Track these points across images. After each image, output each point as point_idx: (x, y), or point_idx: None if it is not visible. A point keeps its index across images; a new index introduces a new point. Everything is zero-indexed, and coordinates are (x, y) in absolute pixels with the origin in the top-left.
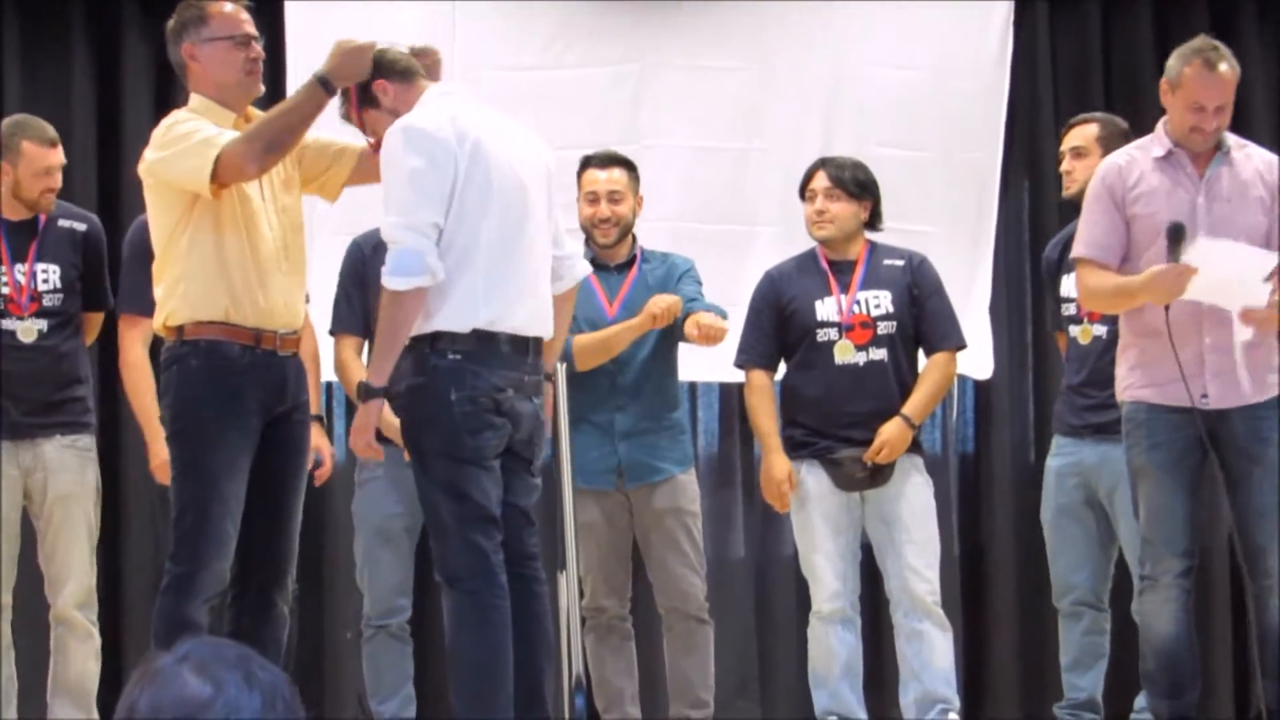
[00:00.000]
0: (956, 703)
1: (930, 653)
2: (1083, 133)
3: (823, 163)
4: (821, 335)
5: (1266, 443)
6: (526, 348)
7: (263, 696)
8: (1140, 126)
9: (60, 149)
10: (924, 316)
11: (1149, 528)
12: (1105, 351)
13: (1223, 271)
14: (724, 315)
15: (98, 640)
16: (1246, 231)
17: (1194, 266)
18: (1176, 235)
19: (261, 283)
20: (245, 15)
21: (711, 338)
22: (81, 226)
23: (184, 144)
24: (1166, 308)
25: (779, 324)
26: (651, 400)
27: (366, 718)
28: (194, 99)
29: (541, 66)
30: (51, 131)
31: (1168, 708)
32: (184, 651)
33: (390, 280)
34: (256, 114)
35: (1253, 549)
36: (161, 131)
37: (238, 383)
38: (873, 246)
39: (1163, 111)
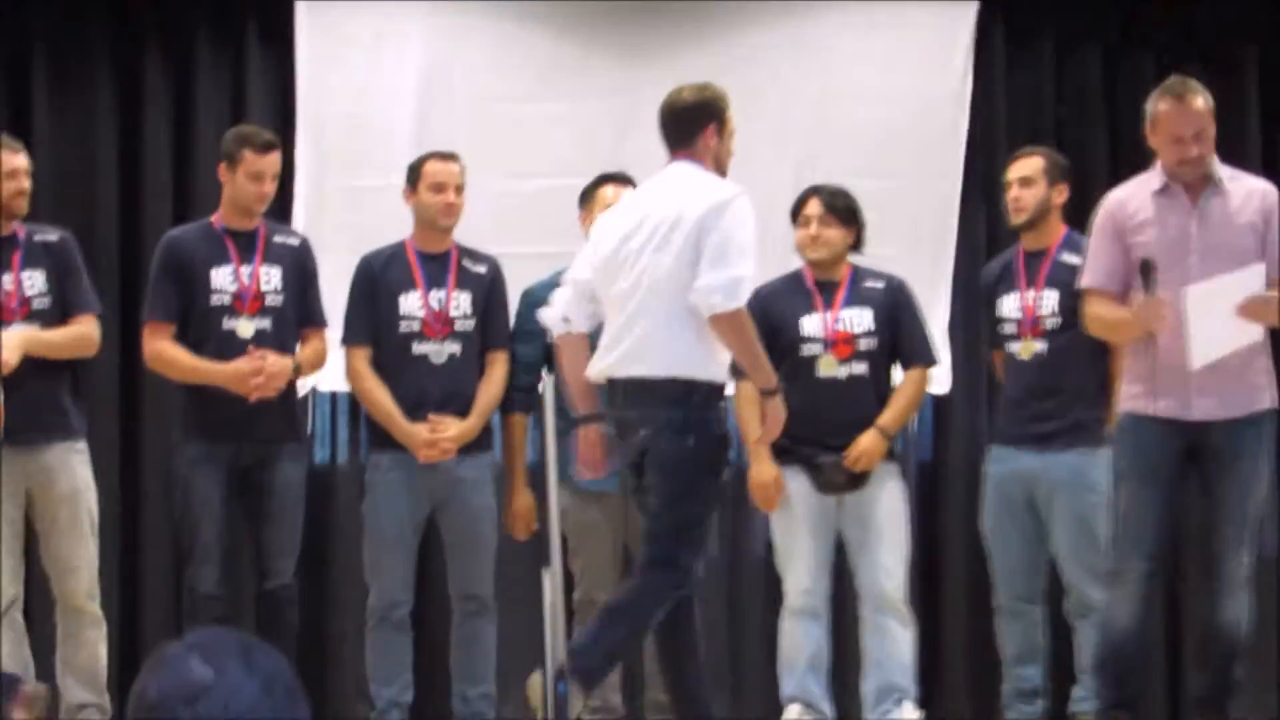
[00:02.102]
0: (913, 692)
1: (893, 645)
2: (1030, 164)
3: (815, 190)
4: (806, 350)
5: (1241, 456)
6: None
7: (262, 681)
8: (1088, 158)
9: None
10: (901, 335)
11: (1121, 527)
12: (1046, 366)
13: (1220, 314)
14: None
15: (105, 626)
16: (1238, 255)
17: (1161, 299)
18: (1146, 270)
19: None
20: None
21: None
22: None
23: None
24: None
25: (766, 339)
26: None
27: (368, 703)
28: None
29: (535, 98)
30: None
31: (1112, 694)
32: (193, 639)
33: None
34: None
35: (1213, 554)
36: None
37: None
38: (855, 269)
39: (1111, 145)
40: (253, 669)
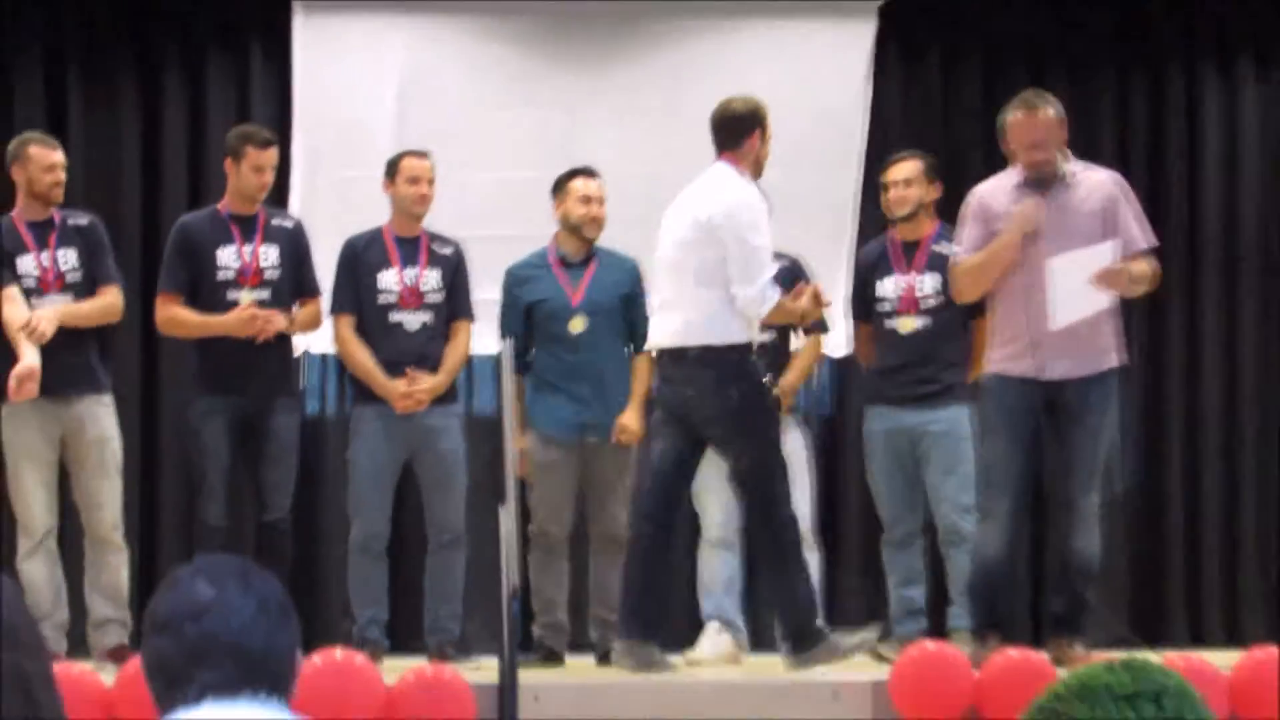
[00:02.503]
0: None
1: None
2: (909, 167)
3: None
4: None
5: (1091, 410)
6: None
7: (258, 601)
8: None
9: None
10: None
11: (988, 473)
12: (926, 339)
13: (1078, 283)
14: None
15: (126, 553)
16: (1085, 240)
17: (1032, 204)
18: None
19: None
20: None
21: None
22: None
23: None
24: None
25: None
26: (612, 378)
27: (350, 620)
28: None
29: (496, 104)
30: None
31: (983, 615)
32: (199, 564)
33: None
34: None
35: (1066, 496)
36: None
37: None
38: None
39: (984, 149)
40: (249, 590)
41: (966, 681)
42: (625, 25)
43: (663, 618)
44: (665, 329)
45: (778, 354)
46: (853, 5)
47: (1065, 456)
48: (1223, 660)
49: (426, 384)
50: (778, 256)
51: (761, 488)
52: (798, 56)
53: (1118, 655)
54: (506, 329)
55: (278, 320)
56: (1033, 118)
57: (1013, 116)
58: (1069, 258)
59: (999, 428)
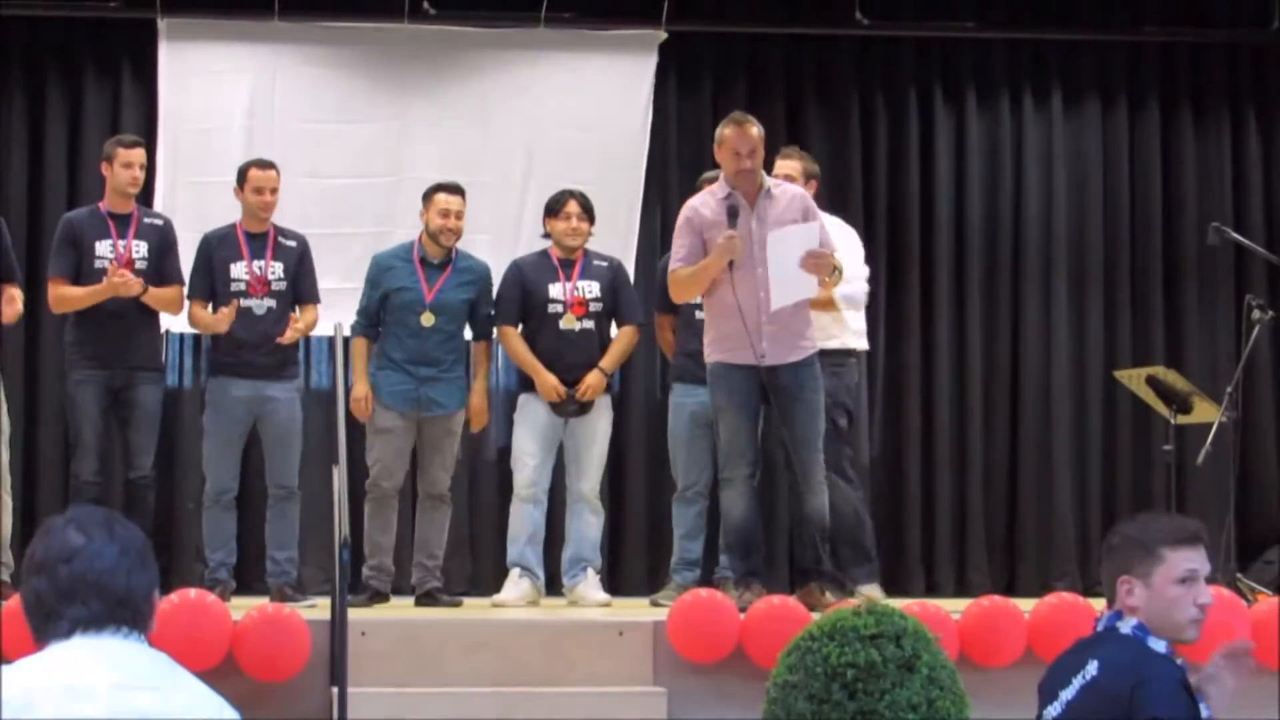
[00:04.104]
0: (597, 563)
1: (585, 528)
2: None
3: (571, 194)
4: (551, 309)
5: (805, 389)
6: None
7: (120, 546)
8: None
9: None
10: (619, 301)
11: (726, 447)
12: None
13: (791, 259)
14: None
15: (11, 504)
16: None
17: (731, 234)
18: (733, 212)
19: None
20: None
21: None
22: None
23: None
24: (740, 312)
25: (522, 299)
26: (447, 358)
27: (203, 563)
28: None
29: (335, 120)
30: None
31: (742, 566)
32: (70, 514)
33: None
34: None
35: (797, 464)
36: None
37: None
38: (586, 251)
39: None
40: (114, 537)
41: (733, 625)
42: (444, 54)
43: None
44: None
45: (600, 339)
46: (636, 41)
47: (792, 431)
48: (953, 607)
49: (298, 325)
50: (600, 259)
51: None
52: (590, 83)
53: (861, 601)
54: (364, 305)
55: (135, 284)
56: (742, 132)
57: (726, 130)
58: (783, 231)
59: (729, 408)
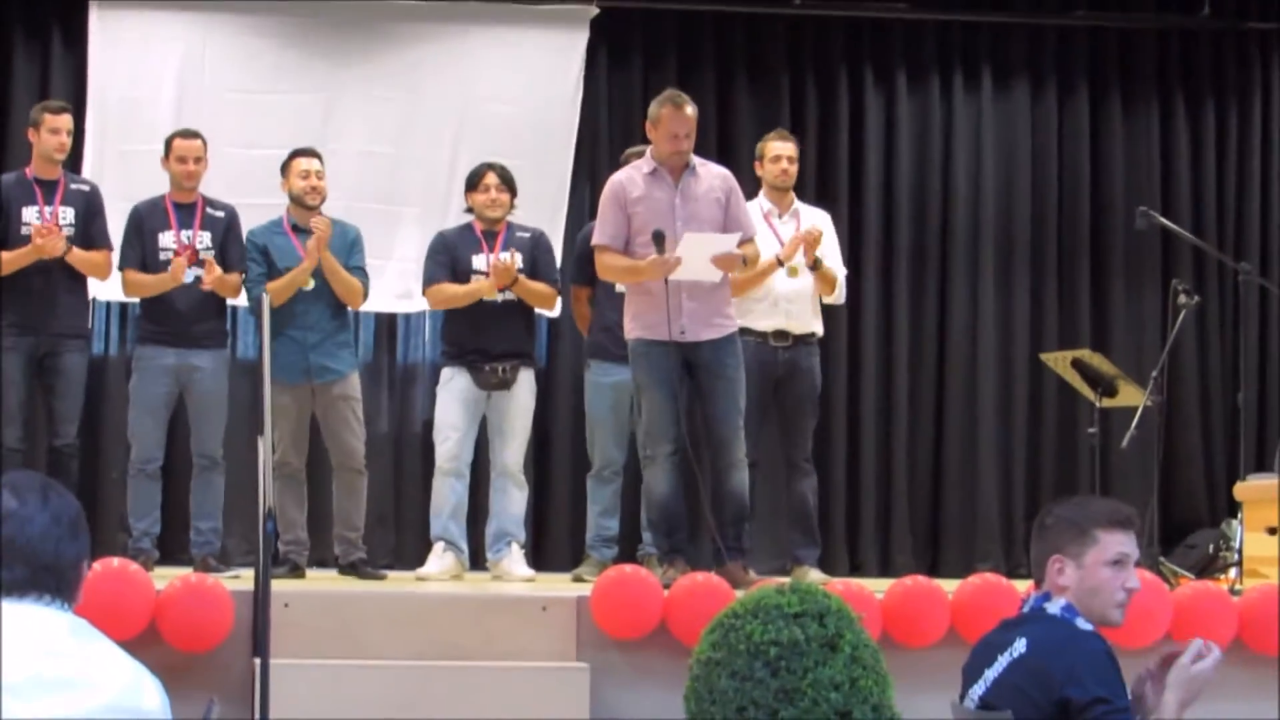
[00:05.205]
0: (521, 537)
1: (509, 502)
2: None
3: (490, 166)
4: (475, 280)
5: (726, 365)
6: None
7: (53, 513)
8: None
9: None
10: (538, 267)
11: (648, 424)
12: None
13: (702, 255)
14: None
15: None
16: (710, 221)
17: (677, 257)
18: (659, 237)
19: None
20: None
21: None
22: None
23: None
24: (663, 290)
25: (450, 266)
26: (331, 324)
27: (127, 533)
28: None
29: (262, 90)
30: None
31: (666, 543)
32: (8, 478)
33: None
34: None
35: (718, 441)
36: None
37: None
38: (509, 223)
39: None
40: (47, 505)
41: (656, 601)
42: (375, 25)
43: None
44: None
45: (524, 312)
46: (568, 16)
47: (713, 409)
48: (877, 587)
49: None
50: (522, 229)
51: None
52: (521, 57)
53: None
54: (252, 282)
55: (59, 240)
56: (679, 112)
57: (664, 110)
58: (701, 236)
59: (650, 385)
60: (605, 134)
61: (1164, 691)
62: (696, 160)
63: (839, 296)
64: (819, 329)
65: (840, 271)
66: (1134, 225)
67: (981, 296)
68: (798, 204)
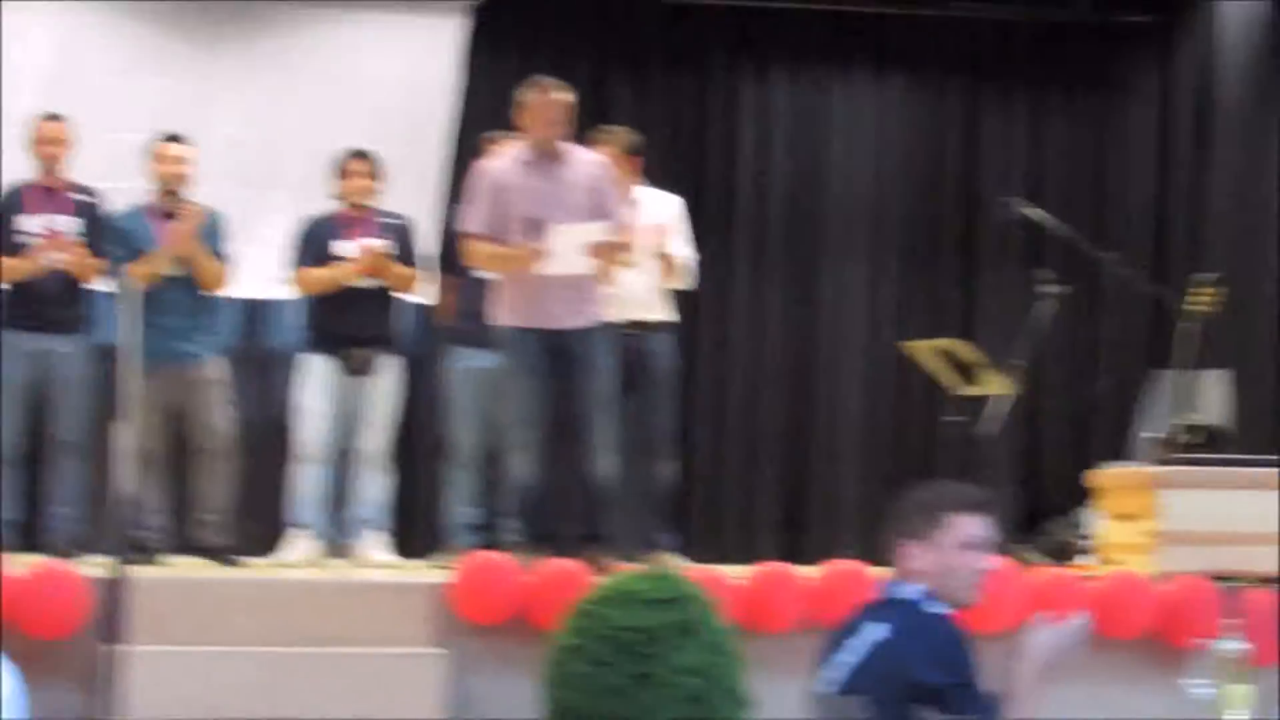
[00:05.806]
0: (384, 523)
1: (372, 489)
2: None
3: (359, 153)
4: (338, 265)
5: (595, 354)
6: None
7: None
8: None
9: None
10: (402, 257)
11: (516, 411)
12: None
13: (574, 246)
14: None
15: None
16: (580, 207)
17: (548, 249)
18: (532, 226)
19: None
20: None
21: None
22: None
23: None
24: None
25: (315, 256)
26: (193, 308)
27: None
28: None
29: (139, 75)
30: None
31: (530, 530)
32: None
33: None
34: None
35: (587, 430)
36: None
37: None
38: (375, 209)
39: None
40: None
41: (517, 588)
42: (249, 9)
43: None
44: None
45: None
46: (445, 3)
47: (583, 396)
48: (736, 573)
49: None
50: (387, 215)
51: None
52: (397, 43)
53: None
54: (114, 267)
55: None
56: (546, 96)
57: (532, 96)
58: (574, 228)
59: (517, 371)
60: (480, 122)
61: (1017, 662)
62: (570, 147)
63: (687, 282)
64: (669, 314)
65: (688, 257)
66: (1004, 215)
67: (851, 285)
68: (636, 191)
